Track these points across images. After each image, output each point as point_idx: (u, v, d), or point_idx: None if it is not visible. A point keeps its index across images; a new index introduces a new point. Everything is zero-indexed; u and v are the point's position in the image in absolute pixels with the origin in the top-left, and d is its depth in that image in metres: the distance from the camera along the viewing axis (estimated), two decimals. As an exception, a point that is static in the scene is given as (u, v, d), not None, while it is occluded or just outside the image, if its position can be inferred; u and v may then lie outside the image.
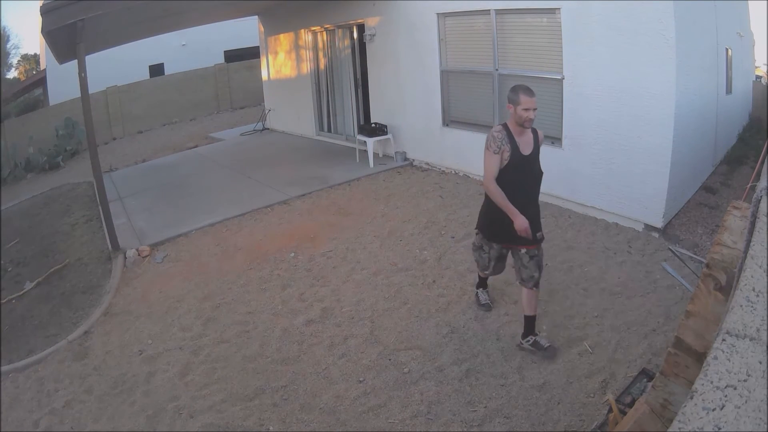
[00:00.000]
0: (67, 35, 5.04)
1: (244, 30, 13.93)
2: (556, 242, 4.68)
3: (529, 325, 3.27)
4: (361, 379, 3.23)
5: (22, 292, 5.05)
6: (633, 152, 4.73)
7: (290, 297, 4.25)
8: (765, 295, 0.91)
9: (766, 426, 0.67)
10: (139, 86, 14.23)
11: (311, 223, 5.64)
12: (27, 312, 4.70)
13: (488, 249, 3.34)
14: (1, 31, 17.15)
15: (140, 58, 14.43)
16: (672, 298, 3.77)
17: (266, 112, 11.07)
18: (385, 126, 7.47)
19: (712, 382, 0.76)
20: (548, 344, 3.24)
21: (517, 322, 3.54)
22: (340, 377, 3.26)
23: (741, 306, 0.90)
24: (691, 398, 0.74)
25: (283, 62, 10.20)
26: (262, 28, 10.69)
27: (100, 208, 5.82)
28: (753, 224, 1.22)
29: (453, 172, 6.81)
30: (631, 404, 2.32)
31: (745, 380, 0.75)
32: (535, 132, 3.11)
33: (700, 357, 1.61)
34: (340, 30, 8.45)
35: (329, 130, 9.38)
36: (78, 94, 5.13)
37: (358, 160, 7.60)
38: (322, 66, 9.14)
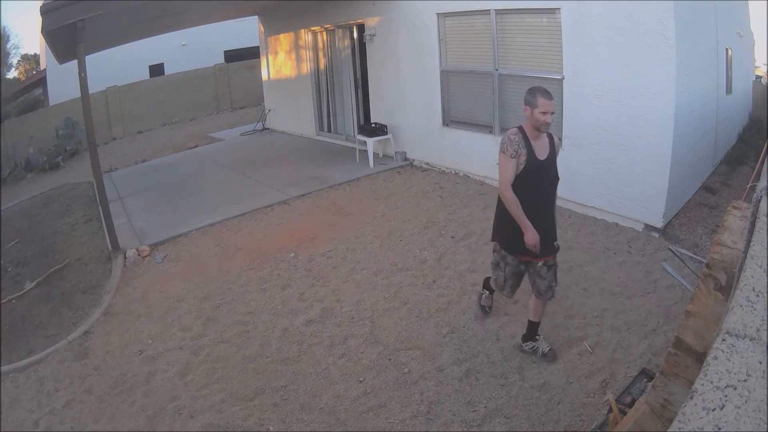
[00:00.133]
0: (67, 35, 5.04)
1: (244, 30, 13.94)
2: (556, 242, 4.67)
3: (532, 330, 3.26)
4: (361, 379, 3.23)
5: (22, 292, 5.05)
6: (633, 152, 4.73)
7: (290, 297, 4.25)
8: (765, 295, 0.91)
9: (766, 426, 0.67)
10: (139, 86, 14.24)
11: (311, 223, 5.64)
12: (27, 312, 4.70)
13: (504, 266, 3.10)
14: (1, 31, 17.17)
15: (140, 58, 14.43)
16: (672, 298, 3.77)
17: (266, 112, 11.07)
18: (385, 126, 7.47)
19: (712, 382, 0.76)
20: (548, 348, 3.23)
21: (517, 322, 3.55)
22: (340, 377, 3.26)
23: (741, 306, 0.90)
24: (691, 398, 0.74)
25: (283, 62, 10.21)
26: (262, 28, 10.69)
27: (100, 208, 5.82)
28: (753, 224, 1.22)
29: (453, 172, 6.81)
30: (631, 404, 2.32)
31: (745, 380, 0.75)
32: (550, 136, 2.99)
33: (700, 357, 1.61)
34: (340, 30, 8.45)
35: (329, 130, 9.38)
36: (78, 94, 5.14)
37: (358, 160, 7.60)
38: (322, 66, 9.14)
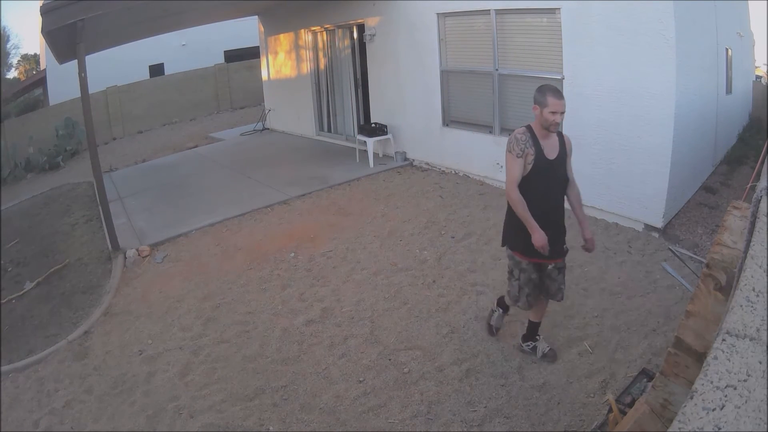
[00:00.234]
0: (67, 35, 5.04)
1: (244, 30, 13.93)
2: (556, 242, 4.67)
3: (533, 330, 3.26)
4: (361, 379, 3.23)
5: (22, 292, 5.05)
6: (633, 152, 4.73)
7: (290, 297, 4.25)
8: (765, 295, 0.91)
9: (766, 426, 0.67)
10: (139, 86, 14.24)
11: (311, 223, 5.64)
12: (27, 312, 4.70)
13: (518, 272, 2.96)
14: (1, 31, 17.15)
15: (140, 58, 14.43)
16: (672, 298, 3.77)
17: (266, 112, 11.07)
18: (385, 126, 7.47)
19: (712, 382, 0.76)
20: (548, 348, 3.23)
21: (518, 322, 3.54)
22: (340, 377, 3.26)
23: (741, 306, 0.90)
24: (691, 398, 0.75)
25: (283, 62, 10.21)
26: (262, 28, 10.69)
27: (100, 208, 5.82)
28: (753, 224, 1.22)
29: (453, 172, 6.81)
30: (631, 404, 2.32)
31: (745, 380, 0.75)
32: (561, 135, 2.90)
33: (700, 357, 1.61)
34: (340, 30, 8.45)
35: (329, 130, 9.38)
36: (78, 94, 5.14)
37: (358, 160, 7.60)
38: (322, 66, 9.14)
